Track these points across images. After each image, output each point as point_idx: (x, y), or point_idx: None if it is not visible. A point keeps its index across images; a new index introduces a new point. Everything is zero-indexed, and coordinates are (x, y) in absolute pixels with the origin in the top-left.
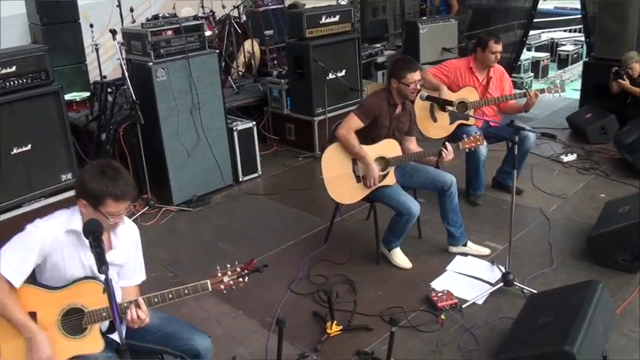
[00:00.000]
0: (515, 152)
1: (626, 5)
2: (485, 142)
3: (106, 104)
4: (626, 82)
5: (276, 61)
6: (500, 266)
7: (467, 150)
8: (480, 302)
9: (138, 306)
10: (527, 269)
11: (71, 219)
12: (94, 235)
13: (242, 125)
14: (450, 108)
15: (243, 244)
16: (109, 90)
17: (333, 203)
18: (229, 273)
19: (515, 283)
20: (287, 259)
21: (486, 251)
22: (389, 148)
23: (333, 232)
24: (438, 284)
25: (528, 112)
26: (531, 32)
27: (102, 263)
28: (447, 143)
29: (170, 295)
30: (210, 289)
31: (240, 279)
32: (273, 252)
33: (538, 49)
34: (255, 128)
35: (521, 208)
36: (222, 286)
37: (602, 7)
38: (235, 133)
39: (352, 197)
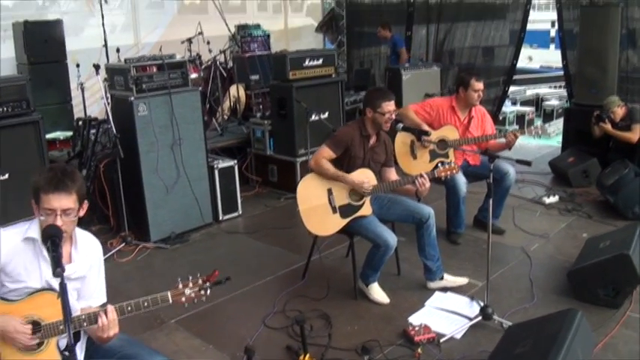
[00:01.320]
0: (491, 180)
1: (605, 52)
2: (464, 179)
3: (88, 141)
4: (608, 126)
5: (261, 106)
6: (479, 301)
7: (442, 178)
8: (458, 336)
9: (107, 313)
10: (507, 304)
11: (30, 227)
12: (52, 239)
13: (223, 163)
14: (426, 138)
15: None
16: (92, 126)
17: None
18: (191, 285)
19: (494, 316)
20: (263, 294)
21: (464, 281)
22: (364, 177)
23: (311, 269)
24: (416, 319)
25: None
26: (517, 88)
27: (57, 266)
28: (422, 172)
29: (129, 308)
30: (170, 300)
31: (202, 291)
32: (249, 287)
33: (523, 103)
34: (236, 167)
35: (503, 247)
36: (183, 299)
37: (582, 53)
38: (216, 171)
39: (329, 229)
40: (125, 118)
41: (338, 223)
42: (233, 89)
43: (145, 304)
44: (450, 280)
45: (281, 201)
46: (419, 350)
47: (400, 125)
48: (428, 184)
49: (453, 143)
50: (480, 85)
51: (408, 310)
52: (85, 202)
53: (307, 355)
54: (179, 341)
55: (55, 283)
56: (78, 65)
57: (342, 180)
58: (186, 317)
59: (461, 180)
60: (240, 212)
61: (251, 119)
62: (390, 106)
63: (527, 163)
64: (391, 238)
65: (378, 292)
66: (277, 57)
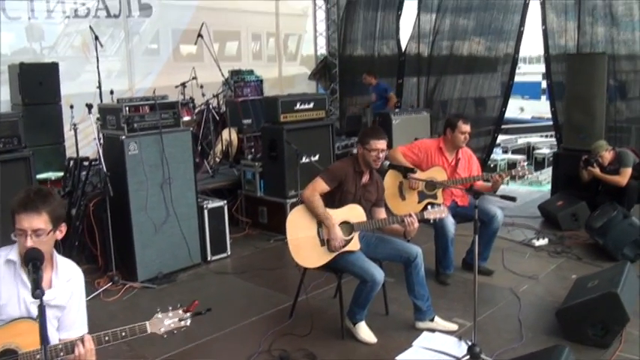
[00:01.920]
0: (476, 216)
1: (592, 99)
2: (452, 220)
3: (79, 180)
4: (597, 170)
5: (253, 149)
6: (467, 341)
7: (431, 221)
8: None
9: (85, 343)
10: (496, 344)
11: (11, 250)
12: (34, 262)
13: (213, 204)
14: (412, 175)
15: (203, 319)
16: (83, 166)
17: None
18: (170, 315)
19: (482, 356)
20: (248, 334)
21: (454, 327)
22: (354, 213)
23: (298, 309)
24: (404, 358)
25: (496, 192)
26: (508, 137)
27: (36, 287)
28: (411, 212)
29: (106, 338)
30: (148, 331)
31: (182, 322)
32: (235, 327)
33: (515, 151)
34: (225, 207)
35: (491, 288)
36: (162, 329)
37: (570, 100)
38: (206, 211)
39: (316, 261)
40: (116, 156)
41: (325, 256)
42: (225, 133)
43: (123, 333)
44: (440, 323)
45: (270, 242)
46: None
47: (387, 163)
48: (416, 225)
49: (442, 184)
50: (466, 128)
51: (395, 350)
52: (63, 224)
53: None
54: None
55: (35, 309)
56: (72, 106)
57: (326, 223)
58: (169, 356)
59: (449, 221)
60: (229, 253)
61: (242, 161)
62: (379, 144)
63: (512, 199)
64: (378, 273)
65: (365, 332)
66: (269, 100)
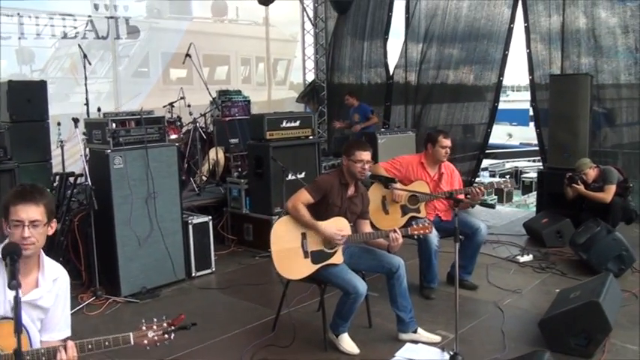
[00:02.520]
0: (457, 224)
1: (576, 118)
2: (436, 233)
3: (64, 196)
4: (581, 187)
5: (240, 169)
6: (450, 352)
7: (415, 236)
8: None
9: (68, 350)
10: (479, 355)
11: None
12: (11, 255)
13: (197, 219)
14: (393, 185)
15: (186, 332)
16: (69, 183)
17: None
18: (154, 327)
19: None
20: (231, 346)
21: (437, 339)
22: (339, 226)
23: (281, 323)
24: None
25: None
26: (496, 161)
27: (12, 278)
28: (395, 228)
29: (89, 346)
30: (132, 342)
31: (166, 335)
32: (217, 340)
33: (502, 175)
34: (210, 223)
35: (475, 302)
36: (145, 341)
37: (554, 120)
38: (190, 227)
39: (299, 273)
40: (101, 170)
41: (308, 268)
42: (212, 152)
43: (106, 343)
44: (423, 335)
45: (256, 259)
46: None
47: (368, 173)
48: (401, 240)
49: (424, 198)
50: (447, 142)
51: None
52: (54, 221)
53: None
54: None
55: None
56: (59, 124)
57: (315, 229)
58: None
59: (432, 234)
60: (214, 269)
61: (228, 178)
62: (364, 155)
63: (492, 206)
64: (361, 285)
65: (347, 343)
66: (255, 117)
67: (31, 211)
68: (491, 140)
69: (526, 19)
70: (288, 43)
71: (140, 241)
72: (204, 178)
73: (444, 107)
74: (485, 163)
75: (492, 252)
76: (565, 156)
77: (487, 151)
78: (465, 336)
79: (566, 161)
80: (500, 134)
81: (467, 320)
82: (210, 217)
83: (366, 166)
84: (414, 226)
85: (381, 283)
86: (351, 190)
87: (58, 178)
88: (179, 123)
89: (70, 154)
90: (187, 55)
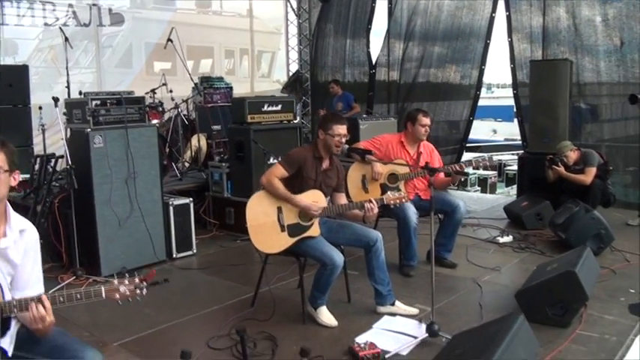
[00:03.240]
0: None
1: (556, 103)
2: (414, 210)
3: (45, 177)
4: (562, 169)
5: (222, 155)
6: (427, 322)
7: (391, 205)
8: (403, 353)
9: (40, 302)
10: (456, 326)
11: None
12: None
13: (178, 201)
14: (369, 157)
15: (166, 308)
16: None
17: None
18: (126, 282)
19: (441, 333)
20: (210, 320)
21: (414, 311)
22: (314, 198)
23: (261, 300)
24: (362, 338)
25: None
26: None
27: None
28: (370, 198)
29: (61, 299)
30: (103, 296)
31: (138, 290)
32: (196, 315)
33: (486, 167)
34: (192, 205)
35: (454, 278)
36: (117, 295)
37: (534, 105)
38: (171, 208)
39: (275, 247)
40: (81, 149)
41: (285, 241)
42: (194, 139)
43: (78, 296)
44: (401, 307)
45: (237, 242)
46: None
47: (346, 147)
48: (376, 210)
49: (404, 176)
50: (426, 120)
51: (355, 332)
52: (17, 172)
53: None
54: None
55: None
56: (40, 108)
57: (291, 202)
58: (129, 341)
59: (411, 210)
60: (195, 251)
61: (209, 162)
62: (340, 129)
63: (465, 174)
64: (338, 256)
65: (326, 315)
66: (236, 100)
67: None
68: (476, 136)
69: (507, 9)
70: (273, 35)
71: (120, 222)
72: (187, 165)
73: (423, 105)
74: (470, 155)
75: (472, 234)
76: (545, 141)
77: (471, 145)
78: (443, 309)
79: (547, 146)
80: (484, 130)
81: (445, 295)
82: (191, 199)
83: (343, 140)
84: (390, 195)
85: (362, 263)
86: (325, 164)
87: (38, 160)
88: (161, 108)
89: (52, 141)
90: (169, 40)
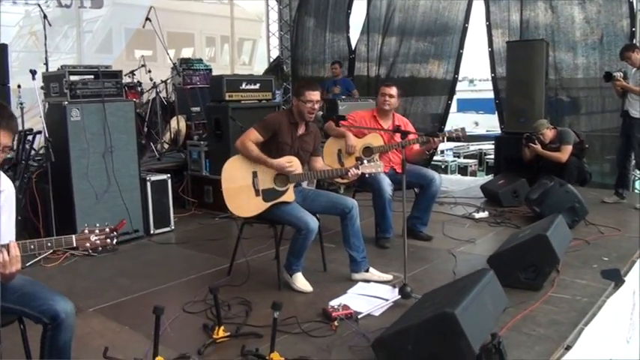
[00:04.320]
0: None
1: (531, 83)
2: (389, 181)
3: (23, 153)
4: (538, 146)
5: (203, 136)
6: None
7: (367, 175)
8: (376, 314)
9: (6, 248)
10: (428, 290)
11: None
12: None
13: (156, 177)
14: (342, 122)
15: (142, 278)
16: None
17: (242, 248)
18: (97, 232)
19: (413, 295)
20: (186, 288)
21: (388, 277)
22: (290, 163)
23: (238, 269)
24: (337, 302)
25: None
26: (461, 144)
27: None
28: (350, 167)
29: (32, 246)
30: (74, 244)
31: (108, 240)
32: (173, 283)
33: (467, 157)
34: (169, 182)
35: (429, 250)
36: (87, 244)
37: (511, 86)
38: (148, 183)
39: (249, 210)
40: (58, 123)
41: (259, 205)
42: (174, 121)
43: (49, 244)
44: (375, 274)
45: (215, 220)
46: (335, 323)
47: (320, 113)
48: (354, 179)
49: (379, 149)
50: (387, 90)
51: (330, 298)
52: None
53: (221, 328)
54: (94, 325)
55: None
56: (19, 86)
57: (264, 163)
58: (105, 307)
59: (385, 182)
60: (173, 227)
61: (188, 141)
62: (313, 95)
63: (436, 135)
64: (312, 220)
65: (301, 281)
66: (214, 78)
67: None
68: None
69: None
70: (254, 23)
71: (98, 196)
72: (166, 146)
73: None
74: (451, 144)
75: (449, 211)
76: (522, 121)
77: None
78: (417, 276)
79: (523, 126)
80: (467, 123)
81: (419, 264)
82: (168, 175)
83: (316, 106)
84: (365, 164)
85: (338, 237)
86: (301, 130)
87: (16, 136)
88: (140, 88)
89: (32, 124)
90: (147, 19)
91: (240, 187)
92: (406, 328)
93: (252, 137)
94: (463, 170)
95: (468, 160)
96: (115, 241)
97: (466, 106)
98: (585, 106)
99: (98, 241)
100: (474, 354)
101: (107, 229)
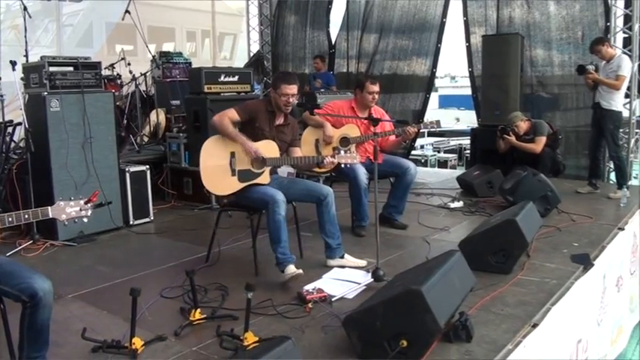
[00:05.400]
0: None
1: (507, 77)
2: (364, 170)
3: (3, 146)
4: (513, 138)
5: (182, 129)
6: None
7: (343, 165)
8: (350, 297)
9: None
10: None
11: None
12: None
13: (135, 168)
14: (317, 111)
15: (121, 266)
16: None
17: (220, 238)
18: (72, 204)
19: (385, 278)
20: (164, 275)
21: (363, 263)
22: (267, 148)
23: (216, 258)
24: (311, 286)
25: (407, 142)
26: (441, 139)
27: None
28: (327, 156)
29: (10, 219)
30: (50, 215)
31: (83, 211)
32: (151, 270)
33: (447, 151)
34: (148, 173)
35: (404, 238)
36: (63, 216)
37: (487, 79)
38: (127, 174)
39: (224, 189)
40: (38, 113)
41: (234, 185)
42: (153, 115)
43: (26, 216)
44: (350, 260)
45: (195, 211)
46: (309, 305)
47: (295, 101)
48: (331, 167)
49: (355, 140)
50: (374, 88)
51: (305, 283)
52: None
53: (197, 311)
54: (73, 309)
55: None
56: None
57: (237, 139)
58: (84, 293)
59: (361, 170)
60: (152, 218)
61: (167, 133)
62: (289, 89)
63: (406, 122)
64: (277, 193)
65: (291, 270)
66: (193, 71)
67: None
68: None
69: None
70: (235, 17)
71: (77, 186)
72: (146, 139)
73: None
74: (431, 139)
75: (425, 201)
76: (497, 113)
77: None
78: (391, 261)
79: (498, 118)
80: (448, 119)
81: (394, 250)
82: (147, 166)
83: (291, 100)
84: (342, 155)
85: (315, 226)
86: (280, 120)
87: None
88: (119, 81)
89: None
90: (127, 11)
91: (218, 165)
92: (374, 305)
93: (229, 115)
94: (443, 165)
95: (448, 154)
96: (89, 212)
97: (447, 102)
98: (561, 102)
99: (73, 213)
100: (439, 329)
101: (81, 202)
